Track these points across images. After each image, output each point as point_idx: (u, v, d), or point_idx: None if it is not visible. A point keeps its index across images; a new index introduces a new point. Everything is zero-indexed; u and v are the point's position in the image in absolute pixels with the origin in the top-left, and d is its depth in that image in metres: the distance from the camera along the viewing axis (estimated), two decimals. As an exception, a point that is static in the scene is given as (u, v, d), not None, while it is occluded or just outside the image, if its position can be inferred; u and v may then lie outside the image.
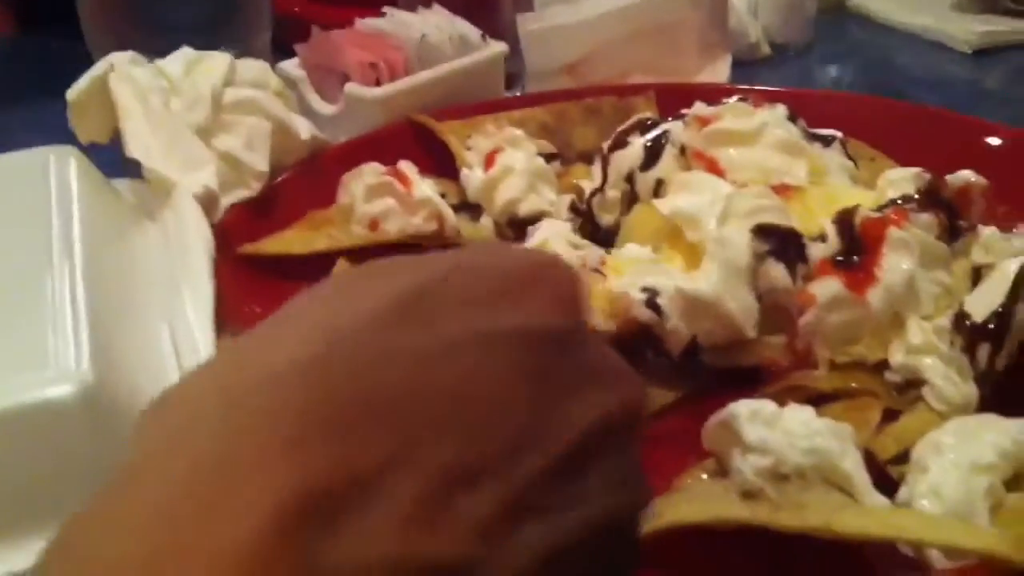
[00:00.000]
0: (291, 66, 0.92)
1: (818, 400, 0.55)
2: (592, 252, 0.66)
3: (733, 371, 0.61)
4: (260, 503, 0.23)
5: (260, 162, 0.73)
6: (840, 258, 0.59)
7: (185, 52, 0.78)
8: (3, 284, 0.54)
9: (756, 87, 0.89)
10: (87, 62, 0.77)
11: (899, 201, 0.62)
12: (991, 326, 0.54)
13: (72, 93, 0.75)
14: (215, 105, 0.73)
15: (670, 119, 0.73)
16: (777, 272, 0.59)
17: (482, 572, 0.26)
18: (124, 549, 0.23)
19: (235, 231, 0.71)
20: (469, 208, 0.78)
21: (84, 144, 0.75)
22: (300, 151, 0.78)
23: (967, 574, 0.42)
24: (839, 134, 0.73)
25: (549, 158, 0.80)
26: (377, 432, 0.26)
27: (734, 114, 0.70)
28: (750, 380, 0.60)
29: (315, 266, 0.67)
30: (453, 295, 0.30)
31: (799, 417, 0.47)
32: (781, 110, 0.71)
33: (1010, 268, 0.55)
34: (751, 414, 0.48)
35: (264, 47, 0.98)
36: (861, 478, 0.47)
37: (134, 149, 0.70)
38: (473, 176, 0.77)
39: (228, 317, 0.60)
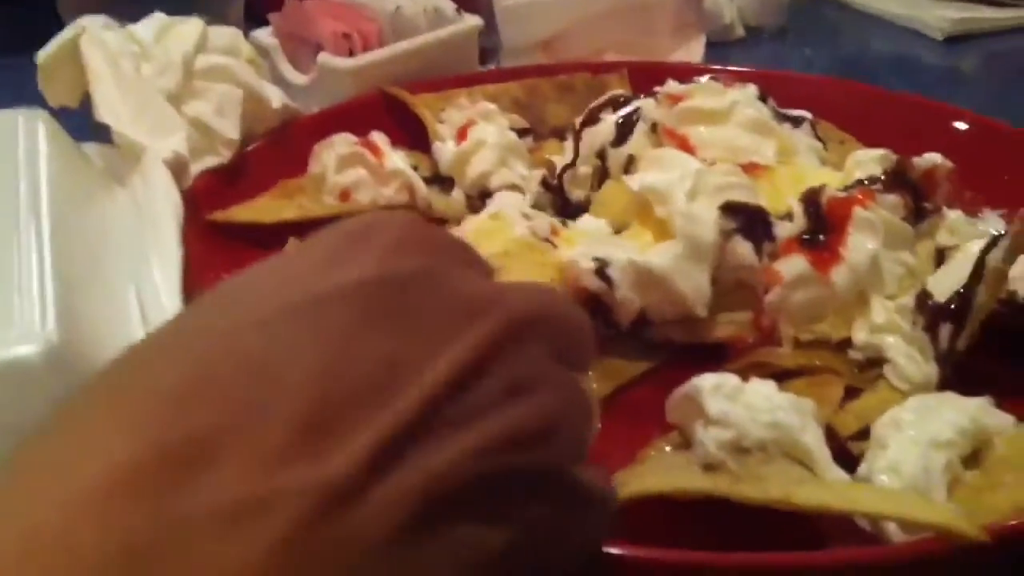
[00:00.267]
0: (264, 35, 0.92)
1: (782, 377, 0.56)
2: (541, 222, 0.66)
3: (699, 347, 0.61)
4: (108, 455, 0.25)
5: (231, 129, 0.73)
6: (806, 237, 0.59)
7: (157, 17, 0.77)
8: (-31, 245, 0.53)
9: (728, 67, 0.90)
10: (58, 25, 0.76)
11: (866, 182, 0.62)
12: (953, 306, 0.55)
13: (42, 56, 0.74)
14: (186, 71, 0.73)
15: (642, 96, 0.74)
16: (744, 250, 0.60)
17: (378, 492, 0.27)
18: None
19: (205, 198, 0.71)
20: (441, 181, 0.78)
21: (54, 107, 0.74)
22: (271, 120, 0.78)
23: (923, 548, 0.42)
24: (809, 115, 0.73)
25: (522, 133, 0.80)
26: (216, 394, 0.27)
27: (705, 93, 0.70)
28: (716, 356, 0.60)
29: (284, 235, 0.67)
30: (287, 269, 0.32)
31: (761, 391, 0.48)
32: (752, 90, 0.71)
33: (973, 250, 0.56)
34: (714, 388, 0.48)
35: (237, 15, 0.98)
36: (821, 453, 0.47)
37: (104, 113, 0.69)
38: (445, 149, 0.77)
39: (196, 283, 0.60)
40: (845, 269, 0.58)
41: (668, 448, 0.52)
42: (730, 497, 0.44)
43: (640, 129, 0.70)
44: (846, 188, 0.62)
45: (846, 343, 0.59)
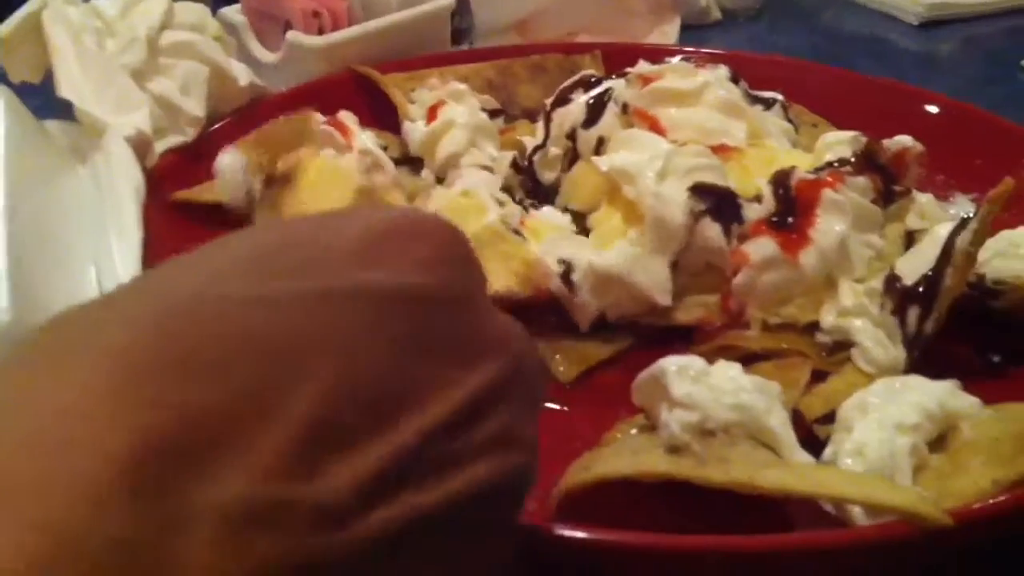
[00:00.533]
0: (233, 12, 0.91)
1: (750, 360, 0.56)
2: (513, 211, 0.66)
3: (667, 329, 0.61)
4: (107, 447, 0.23)
5: (196, 107, 0.72)
6: (775, 219, 0.59)
7: (123, -8, 0.76)
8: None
9: (702, 49, 0.89)
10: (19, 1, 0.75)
11: (835, 164, 0.62)
12: (921, 289, 0.55)
13: (3, 30, 0.73)
14: (151, 47, 0.72)
15: (613, 77, 0.73)
16: (712, 232, 0.59)
17: (356, 523, 0.26)
18: None
19: (169, 177, 0.70)
20: (410, 161, 0.77)
21: (15, 83, 0.73)
22: (238, 98, 0.77)
23: (887, 532, 0.42)
24: (780, 97, 0.73)
25: (493, 114, 0.79)
26: (227, 379, 0.25)
27: (676, 74, 0.70)
28: (684, 339, 0.60)
29: (249, 217, 0.66)
30: (317, 249, 0.29)
31: (727, 374, 0.48)
32: (723, 71, 0.71)
33: (941, 233, 0.56)
34: (679, 370, 0.48)
35: (206, -8, 0.96)
36: (786, 435, 0.47)
37: (66, 89, 0.68)
38: (415, 129, 0.76)
39: (158, 263, 0.59)
40: (814, 252, 0.58)
41: (634, 431, 0.51)
42: (694, 480, 0.43)
43: (611, 110, 0.69)
44: (816, 170, 0.62)
45: (814, 326, 0.59)
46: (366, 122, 0.77)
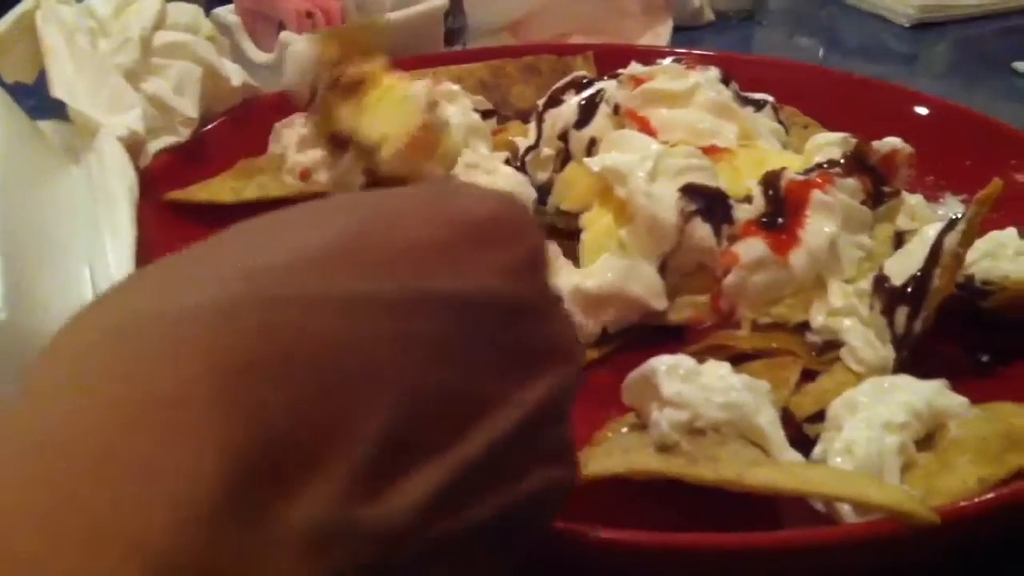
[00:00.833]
0: (226, 12, 0.91)
1: (740, 359, 0.56)
2: None
3: (658, 329, 0.61)
4: (202, 468, 0.22)
5: (189, 107, 0.72)
6: (765, 220, 0.59)
7: (116, -7, 0.76)
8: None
9: (693, 51, 0.89)
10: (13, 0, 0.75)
11: (825, 165, 0.62)
12: (909, 290, 0.55)
13: (-4, 30, 0.73)
14: (144, 48, 0.72)
15: (605, 78, 0.73)
16: (703, 232, 0.59)
17: (423, 539, 0.26)
18: (18, 536, 0.20)
19: (163, 177, 0.70)
20: (403, 161, 0.77)
21: (8, 83, 0.73)
22: (231, 98, 0.77)
23: (875, 529, 0.42)
24: (771, 98, 0.74)
25: (486, 115, 0.79)
26: (317, 392, 0.24)
27: (668, 75, 0.70)
28: (675, 338, 0.60)
29: (243, 215, 0.66)
30: (399, 243, 0.27)
31: (717, 373, 0.48)
32: (714, 73, 0.71)
33: (930, 234, 0.56)
34: (669, 369, 0.48)
35: (199, -8, 0.96)
36: (775, 434, 0.47)
37: (59, 89, 0.68)
38: (408, 129, 0.77)
39: (150, 263, 0.60)
40: (803, 252, 0.58)
41: (625, 429, 0.51)
42: (683, 478, 0.44)
43: (602, 111, 0.70)
44: (806, 172, 0.62)
45: (804, 326, 0.59)
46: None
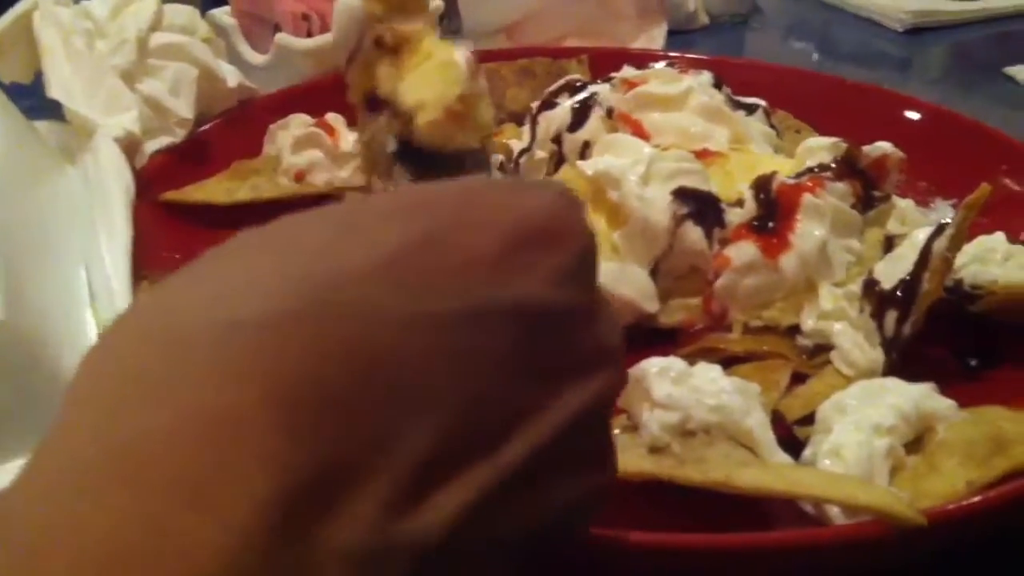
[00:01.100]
0: (222, 14, 0.91)
1: (731, 362, 0.56)
2: None
3: (650, 332, 0.61)
4: (254, 489, 0.21)
5: (185, 108, 0.73)
6: (756, 223, 0.60)
7: (113, -6, 0.77)
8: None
9: (687, 55, 0.90)
10: (11, 0, 0.76)
11: (816, 169, 0.63)
12: (899, 293, 0.55)
13: (-7, 31, 0.73)
14: (141, 49, 0.72)
15: (599, 82, 0.74)
16: (695, 235, 0.60)
17: (456, 550, 0.25)
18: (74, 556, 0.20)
19: (158, 177, 0.70)
20: (397, 163, 0.77)
21: (5, 83, 0.73)
22: (227, 99, 0.78)
23: (863, 530, 0.43)
24: (763, 103, 0.74)
25: (480, 117, 0.79)
26: (369, 411, 0.24)
27: (660, 79, 0.70)
28: (667, 341, 0.60)
29: (238, 216, 0.66)
30: (454, 254, 0.27)
31: (707, 375, 0.48)
32: (706, 77, 0.71)
33: (919, 238, 0.56)
34: (660, 371, 0.48)
35: (196, -6, 0.97)
36: (765, 436, 0.48)
37: (55, 90, 0.69)
38: (402, 131, 0.77)
39: (147, 264, 0.60)
40: (794, 255, 0.58)
41: (616, 431, 0.52)
42: (673, 479, 0.44)
43: (596, 114, 0.70)
44: (797, 176, 0.62)
45: (795, 329, 0.59)
46: (353, 123, 0.78)
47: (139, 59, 0.72)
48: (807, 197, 0.59)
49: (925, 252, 0.55)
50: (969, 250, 0.60)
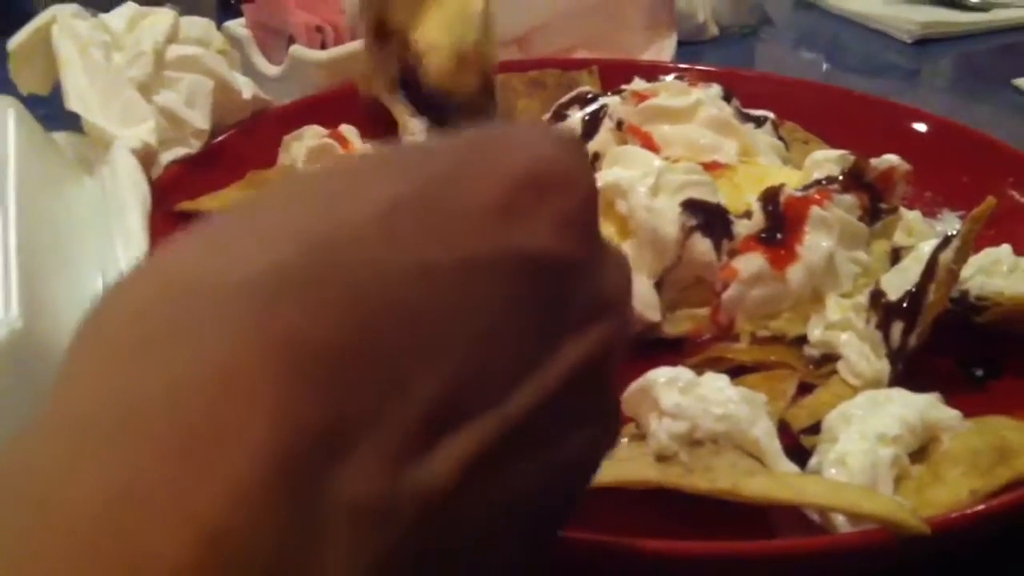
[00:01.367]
0: (237, 26, 0.92)
1: (738, 372, 0.57)
2: None
3: (658, 341, 0.62)
4: (255, 440, 0.21)
5: (201, 119, 0.73)
6: (764, 235, 0.60)
7: (129, 7, 0.78)
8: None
9: (696, 66, 0.91)
10: (30, 13, 0.77)
11: (823, 181, 0.63)
12: (905, 305, 0.56)
13: (13, 43, 0.75)
14: (157, 61, 0.73)
15: (609, 94, 0.75)
16: (703, 247, 0.61)
17: (460, 504, 0.25)
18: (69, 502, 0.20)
19: (174, 187, 0.71)
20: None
21: (24, 95, 0.74)
22: (242, 110, 0.79)
23: (868, 538, 0.43)
24: (771, 115, 0.75)
25: (491, 128, 0.80)
26: (373, 363, 0.23)
27: (670, 91, 0.71)
28: (674, 350, 0.61)
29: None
30: (456, 202, 0.27)
31: (714, 385, 0.49)
32: (715, 89, 0.72)
33: (925, 250, 0.57)
34: (668, 381, 0.49)
35: (210, 5, 0.98)
36: (771, 445, 0.48)
37: (74, 102, 0.70)
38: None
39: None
40: (801, 267, 0.59)
41: (625, 439, 0.52)
42: (680, 488, 0.45)
43: (606, 126, 0.71)
44: (804, 188, 0.63)
45: (802, 339, 0.60)
46: (367, 135, 0.78)
47: (155, 71, 0.73)
48: (814, 209, 0.60)
49: (931, 264, 0.56)
50: (975, 262, 0.60)
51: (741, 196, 0.64)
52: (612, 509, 0.46)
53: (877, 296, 0.58)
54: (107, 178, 0.66)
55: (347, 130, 0.76)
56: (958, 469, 0.48)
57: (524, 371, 0.26)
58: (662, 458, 0.47)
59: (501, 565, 0.28)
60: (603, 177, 0.65)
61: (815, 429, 0.53)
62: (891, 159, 0.64)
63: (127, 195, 0.64)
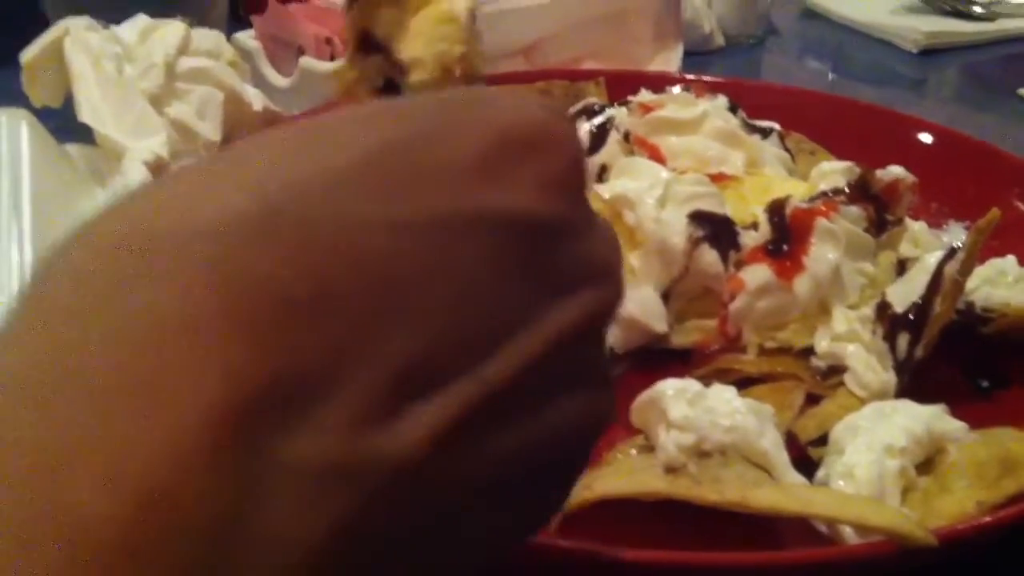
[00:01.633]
0: (247, 37, 0.93)
1: (746, 383, 0.57)
2: None
3: (666, 353, 0.62)
4: (202, 397, 0.20)
5: (212, 131, 0.74)
6: (770, 246, 0.61)
7: (141, 19, 0.78)
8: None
9: (703, 77, 0.91)
10: (43, 25, 0.77)
11: (829, 193, 0.63)
12: (911, 316, 0.56)
13: (26, 56, 0.75)
14: (168, 73, 0.74)
15: (616, 105, 0.75)
16: (710, 258, 0.61)
17: (433, 474, 0.24)
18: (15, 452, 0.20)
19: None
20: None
21: (37, 107, 0.75)
22: (252, 122, 0.79)
23: (875, 550, 0.44)
24: (777, 126, 0.75)
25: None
26: (334, 319, 0.22)
27: (677, 103, 0.72)
28: (682, 362, 0.61)
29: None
30: (434, 158, 0.25)
31: (722, 396, 0.49)
32: (722, 101, 0.73)
33: (931, 261, 0.57)
34: (676, 392, 0.49)
35: (220, 17, 0.98)
36: (779, 456, 0.48)
37: (86, 114, 0.70)
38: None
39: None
40: (807, 278, 0.59)
41: (633, 451, 0.53)
42: (690, 499, 0.45)
43: (613, 138, 0.71)
44: (810, 199, 0.63)
45: (809, 351, 0.60)
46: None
47: (167, 83, 0.74)
48: (821, 221, 0.60)
49: (937, 275, 0.56)
50: (980, 273, 0.61)
51: (748, 207, 0.64)
52: (621, 520, 0.47)
53: (883, 308, 0.58)
54: (119, 190, 0.66)
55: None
56: (964, 481, 0.48)
57: (504, 335, 0.25)
58: (671, 470, 0.47)
59: (482, 541, 0.27)
60: (611, 188, 0.65)
61: (822, 440, 0.53)
62: (897, 171, 0.65)
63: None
